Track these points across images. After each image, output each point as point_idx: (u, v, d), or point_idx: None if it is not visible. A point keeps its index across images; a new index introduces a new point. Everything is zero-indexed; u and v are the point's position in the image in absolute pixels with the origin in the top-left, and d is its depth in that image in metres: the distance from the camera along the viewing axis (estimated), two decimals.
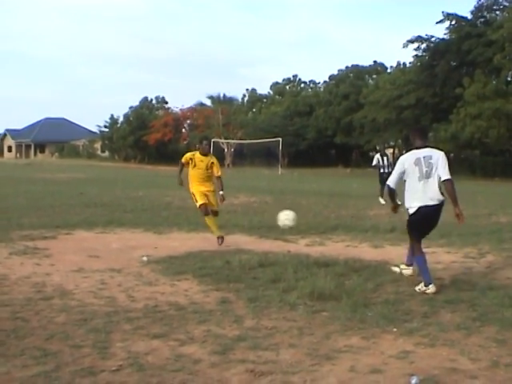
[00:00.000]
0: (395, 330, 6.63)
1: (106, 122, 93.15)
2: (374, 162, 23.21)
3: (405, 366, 5.56)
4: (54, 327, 6.64)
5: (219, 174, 12.48)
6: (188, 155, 12.69)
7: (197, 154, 12.52)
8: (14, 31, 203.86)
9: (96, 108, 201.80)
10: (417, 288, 8.32)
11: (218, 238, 12.25)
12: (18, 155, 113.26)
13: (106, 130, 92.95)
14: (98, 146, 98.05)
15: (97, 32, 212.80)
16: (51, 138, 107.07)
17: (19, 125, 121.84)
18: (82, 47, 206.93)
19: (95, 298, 7.94)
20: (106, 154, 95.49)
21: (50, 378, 5.21)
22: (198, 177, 12.48)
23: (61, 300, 7.79)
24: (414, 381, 5.10)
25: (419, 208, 8.39)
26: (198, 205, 12.46)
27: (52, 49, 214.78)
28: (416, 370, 5.41)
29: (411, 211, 8.51)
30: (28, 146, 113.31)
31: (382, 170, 22.59)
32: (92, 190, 26.88)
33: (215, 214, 12.59)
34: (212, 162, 12.48)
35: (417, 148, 8.55)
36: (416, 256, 8.64)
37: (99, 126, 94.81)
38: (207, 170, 12.43)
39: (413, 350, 5.99)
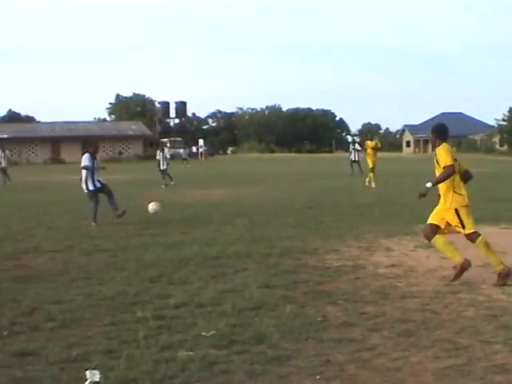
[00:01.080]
0: None
1: (504, 115, 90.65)
2: None
3: None
4: (463, 321, 6.68)
5: (443, 164, 8.59)
6: None
7: None
8: (408, 30, 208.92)
9: (494, 101, 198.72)
10: None
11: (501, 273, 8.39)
12: (416, 150, 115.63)
13: (504, 123, 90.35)
14: (496, 140, 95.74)
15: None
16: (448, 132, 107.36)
17: (417, 120, 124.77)
18: (475, 40, 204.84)
19: (503, 294, 7.82)
20: (505, 147, 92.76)
21: (462, 371, 5.24)
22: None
23: (468, 294, 7.80)
24: None
25: None
26: None
27: (445, 44, 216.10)
28: None
29: None
30: (426, 141, 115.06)
31: None
32: (494, 185, 26.42)
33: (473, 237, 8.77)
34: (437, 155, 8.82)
35: None
36: None
37: (497, 120, 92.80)
38: (437, 168, 8.80)
39: None
